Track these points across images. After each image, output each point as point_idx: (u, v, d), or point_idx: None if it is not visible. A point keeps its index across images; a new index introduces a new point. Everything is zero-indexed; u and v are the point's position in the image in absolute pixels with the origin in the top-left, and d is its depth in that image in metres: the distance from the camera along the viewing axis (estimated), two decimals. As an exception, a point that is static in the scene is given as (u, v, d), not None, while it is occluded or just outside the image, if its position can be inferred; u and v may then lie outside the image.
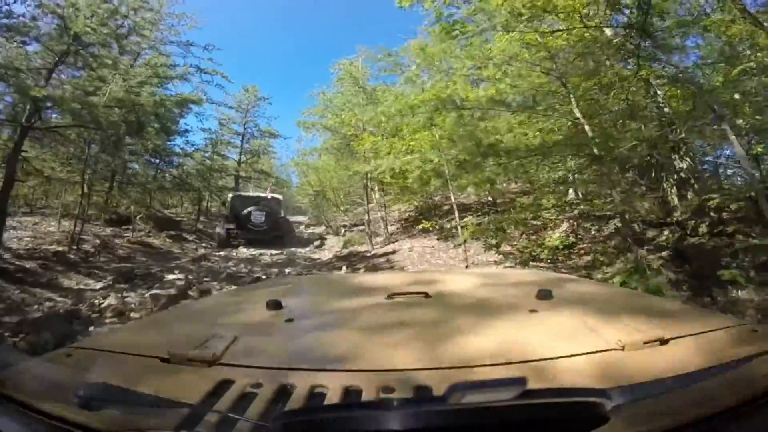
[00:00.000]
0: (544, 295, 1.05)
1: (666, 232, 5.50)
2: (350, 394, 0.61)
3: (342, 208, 15.47)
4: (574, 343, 0.75)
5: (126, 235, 9.83)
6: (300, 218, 21.29)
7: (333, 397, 0.60)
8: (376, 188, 12.71)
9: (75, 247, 7.51)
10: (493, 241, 7.02)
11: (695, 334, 0.78)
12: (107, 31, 7.85)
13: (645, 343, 0.72)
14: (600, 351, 0.71)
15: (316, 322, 0.98)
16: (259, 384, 0.63)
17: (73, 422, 0.56)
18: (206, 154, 17.48)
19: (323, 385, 0.63)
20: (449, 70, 6.73)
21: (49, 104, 7.11)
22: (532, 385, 0.49)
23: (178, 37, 12.47)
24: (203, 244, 11.55)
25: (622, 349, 0.71)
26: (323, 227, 16.37)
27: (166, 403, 0.57)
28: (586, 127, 5.45)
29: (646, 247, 5.17)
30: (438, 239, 8.83)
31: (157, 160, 13.65)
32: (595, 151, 5.33)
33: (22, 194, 10.68)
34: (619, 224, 5.79)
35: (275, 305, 1.04)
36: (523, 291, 1.18)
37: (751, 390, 0.55)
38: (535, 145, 6.05)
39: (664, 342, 0.73)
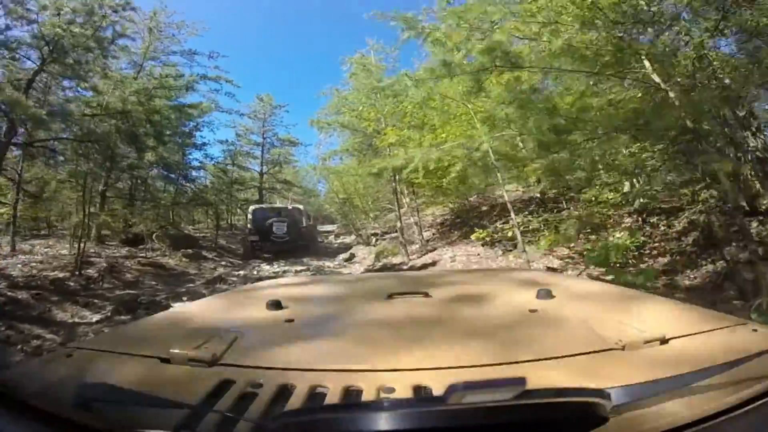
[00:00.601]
0: (544, 294, 1.05)
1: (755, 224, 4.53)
2: (350, 394, 0.61)
3: (371, 215, 14.88)
4: (574, 343, 0.75)
5: (140, 255, 9.27)
6: (329, 227, 21.07)
7: (333, 397, 0.60)
8: (406, 191, 11.74)
9: (78, 273, 6.92)
10: (554, 240, 5.98)
11: (695, 333, 0.78)
12: (85, 32, 7.50)
13: (645, 343, 0.72)
14: (600, 351, 0.71)
15: (316, 322, 0.98)
16: (259, 384, 0.63)
17: (73, 422, 0.56)
18: (228, 166, 17.47)
19: (323, 385, 0.63)
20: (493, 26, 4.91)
21: (23, 116, 6.75)
22: (532, 385, 0.49)
23: (180, 46, 12.61)
24: (222, 262, 10.74)
25: (622, 349, 0.71)
26: (353, 236, 15.59)
27: (166, 403, 0.57)
28: (670, 95, 4.22)
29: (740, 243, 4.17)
30: (483, 245, 7.75)
31: (172, 175, 13.50)
32: (688, 124, 4.16)
33: (42, 216, 10.34)
34: (696, 217, 4.90)
35: (275, 305, 1.04)
36: (523, 291, 1.18)
37: (751, 390, 0.56)
38: (618, 118, 4.63)
39: (664, 342, 0.73)
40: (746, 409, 0.54)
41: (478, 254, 7.57)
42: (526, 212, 8.36)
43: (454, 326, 0.89)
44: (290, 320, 0.96)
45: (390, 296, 1.12)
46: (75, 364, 0.76)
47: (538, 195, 8.59)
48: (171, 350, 0.73)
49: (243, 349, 0.77)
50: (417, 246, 9.99)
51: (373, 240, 12.82)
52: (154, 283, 7.71)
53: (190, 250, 10.33)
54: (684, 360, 0.67)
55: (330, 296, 1.36)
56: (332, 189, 15.57)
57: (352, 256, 11.71)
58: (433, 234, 11.16)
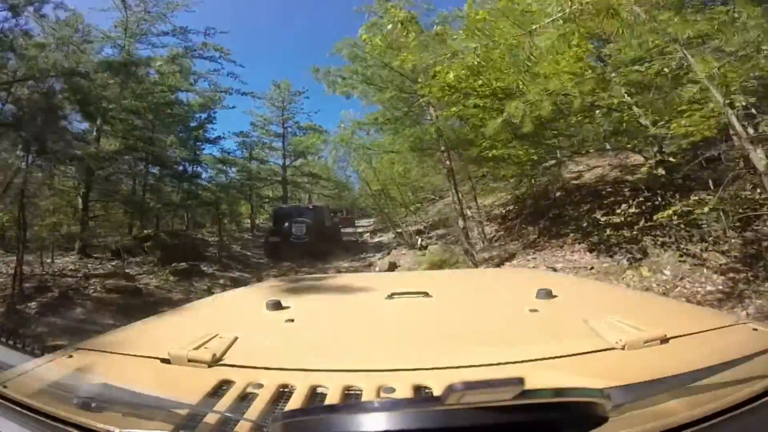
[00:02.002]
0: (544, 295, 1.05)
1: None
2: (350, 394, 0.61)
3: (411, 208, 12.12)
4: (574, 343, 0.75)
5: (119, 272, 7.24)
6: (366, 222, 19.04)
7: (333, 397, 0.60)
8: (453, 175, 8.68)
9: (11, 307, 4.94)
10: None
11: (695, 333, 0.78)
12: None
13: (645, 342, 0.72)
14: (600, 351, 0.71)
15: (316, 322, 0.98)
16: (259, 384, 0.64)
17: (73, 423, 0.56)
18: (239, 157, 15.80)
19: (323, 385, 0.63)
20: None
21: None
22: (531, 385, 0.49)
23: (169, 24, 10.46)
24: (221, 281, 7.81)
25: (622, 349, 0.71)
26: (391, 234, 12.88)
27: (166, 404, 0.57)
28: None
29: None
30: (591, 251, 5.58)
31: (165, 171, 11.74)
32: None
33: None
34: None
35: (275, 305, 1.04)
36: (523, 291, 1.18)
37: (751, 389, 0.55)
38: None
39: (664, 341, 0.73)
40: (746, 409, 0.54)
41: (591, 268, 5.30)
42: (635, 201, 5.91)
43: (454, 326, 0.89)
44: (290, 320, 0.96)
45: (390, 296, 1.12)
46: (75, 364, 0.76)
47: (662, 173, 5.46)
48: (171, 350, 0.73)
49: (243, 349, 0.77)
50: (479, 248, 7.57)
51: (419, 240, 10.05)
52: (111, 322, 5.11)
53: (183, 264, 7.98)
54: (684, 360, 0.67)
55: (330, 296, 1.36)
56: (362, 177, 12.98)
57: (393, 265, 8.52)
58: (496, 231, 8.56)
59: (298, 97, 18.34)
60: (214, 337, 0.80)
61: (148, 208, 10.91)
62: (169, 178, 12.04)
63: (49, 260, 7.17)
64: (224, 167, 14.64)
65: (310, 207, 12.24)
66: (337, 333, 0.89)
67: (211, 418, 0.55)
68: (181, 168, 12.42)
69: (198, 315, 1.12)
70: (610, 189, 7.08)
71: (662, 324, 0.80)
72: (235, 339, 0.80)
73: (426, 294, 1.12)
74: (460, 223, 7.78)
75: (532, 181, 8.26)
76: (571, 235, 6.40)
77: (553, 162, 7.41)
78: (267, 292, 1.32)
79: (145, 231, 9.77)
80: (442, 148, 7.85)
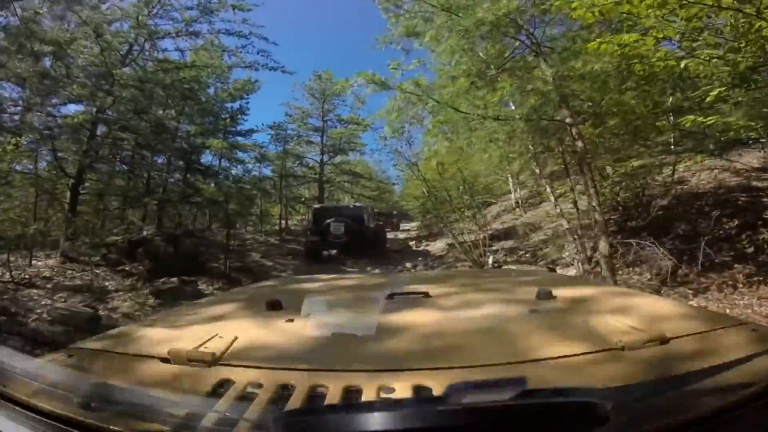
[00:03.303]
0: (544, 295, 1.05)
1: None
2: (350, 394, 0.61)
3: (467, 214, 9.33)
4: (574, 343, 0.75)
5: (95, 287, 5.92)
6: (407, 226, 17.82)
7: (333, 397, 0.60)
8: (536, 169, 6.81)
9: None
10: None
11: (695, 333, 0.78)
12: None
13: (645, 342, 0.72)
14: (600, 351, 0.71)
15: (316, 322, 0.98)
16: (259, 384, 0.64)
17: (73, 422, 0.56)
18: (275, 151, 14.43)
19: (323, 385, 0.63)
20: None
21: None
22: (532, 385, 0.49)
23: None
24: None
25: (622, 349, 0.71)
26: (441, 242, 10.94)
27: (166, 403, 0.57)
28: None
29: None
30: None
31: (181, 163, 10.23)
32: None
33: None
34: None
35: (275, 305, 1.04)
36: (523, 291, 1.18)
37: (751, 390, 0.55)
38: None
39: (664, 342, 0.73)
40: (746, 409, 0.54)
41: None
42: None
43: (454, 326, 0.89)
44: (290, 320, 0.96)
45: (390, 296, 1.12)
46: (75, 364, 0.77)
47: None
48: (171, 350, 0.73)
49: (243, 349, 0.78)
50: (576, 272, 5.28)
51: (489, 256, 7.48)
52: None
53: (174, 280, 6.41)
54: (684, 360, 0.67)
55: (330, 296, 1.36)
56: (410, 176, 10.98)
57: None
58: (592, 247, 5.72)
59: (341, 89, 16.66)
60: (214, 336, 0.80)
61: (140, 202, 9.39)
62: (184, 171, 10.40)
63: (27, 262, 6.11)
64: (257, 162, 13.27)
65: (351, 207, 12.01)
66: (336, 333, 0.89)
67: (211, 418, 0.54)
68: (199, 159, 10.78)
69: (198, 315, 1.12)
70: (745, 198, 5.18)
71: (662, 324, 0.81)
72: (235, 339, 0.80)
73: (426, 294, 1.12)
74: (568, 237, 5.40)
75: (645, 182, 6.05)
76: (738, 266, 4.36)
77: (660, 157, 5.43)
78: (267, 292, 1.32)
79: (145, 232, 8.43)
80: (568, 119, 5.15)
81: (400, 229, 16.02)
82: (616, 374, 0.64)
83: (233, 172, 11.47)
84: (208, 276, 7.39)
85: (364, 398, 0.60)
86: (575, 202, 6.25)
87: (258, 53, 9.77)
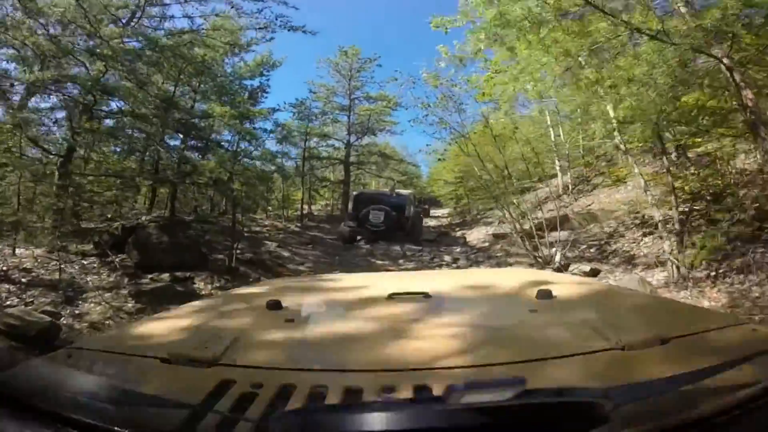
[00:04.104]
0: (544, 295, 1.05)
1: None
2: (350, 394, 0.61)
3: (513, 200, 7.62)
4: (574, 343, 0.75)
5: (73, 284, 5.02)
6: (438, 212, 16.55)
7: (333, 397, 0.60)
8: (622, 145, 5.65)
9: None
10: None
11: (695, 333, 0.78)
12: None
13: (645, 342, 0.72)
14: (600, 351, 0.71)
15: (317, 322, 0.98)
16: (259, 384, 0.63)
17: (73, 422, 0.56)
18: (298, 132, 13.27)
19: (323, 385, 0.63)
20: None
21: None
22: (532, 385, 0.49)
23: None
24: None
25: (622, 349, 0.71)
26: (480, 231, 9.73)
27: (166, 403, 0.57)
28: None
29: None
30: None
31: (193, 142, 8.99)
32: None
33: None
34: None
35: (275, 305, 1.04)
36: (523, 291, 1.18)
37: (751, 390, 0.55)
38: None
39: (664, 342, 0.73)
40: (746, 409, 0.54)
41: None
42: None
43: (454, 326, 0.89)
44: (290, 320, 0.96)
45: (390, 296, 1.12)
46: (75, 364, 0.76)
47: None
48: (171, 350, 0.73)
49: (243, 349, 0.77)
50: (684, 293, 4.26)
51: (556, 254, 5.95)
52: None
53: (165, 276, 5.66)
54: (684, 360, 0.67)
55: (330, 296, 1.35)
56: (441, 156, 10.35)
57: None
58: (671, 250, 4.81)
59: (369, 65, 15.66)
60: (214, 336, 0.80)
61: (133, 183, 8.31)
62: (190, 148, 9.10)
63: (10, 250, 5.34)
64: (278, 144, 12.24)
65: (392, 194, 11.59)
66: (336, 333, 0.89)
67: (211, 418, 0.54)
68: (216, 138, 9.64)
69: (198, 315, 1.12)
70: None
71: (662, 324, 0.81)
72: (235, 339, 0.80)
73: (426, 294, 1.12)
74: (660, 230, 4.36)
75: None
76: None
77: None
78: (267, 292, 1.32)
79: (144, 217, 7.38)
80: (725, 60, 3.71)
81: (430, 215, 14.86)
82: (616, 374, 0.64)
83: (242, 145, 9.63)
84: (209, 270, 6.28)
85: (364, 398, 0.60)
86: (673, 188, 5.08)
87: (276, 18, 8.69)
